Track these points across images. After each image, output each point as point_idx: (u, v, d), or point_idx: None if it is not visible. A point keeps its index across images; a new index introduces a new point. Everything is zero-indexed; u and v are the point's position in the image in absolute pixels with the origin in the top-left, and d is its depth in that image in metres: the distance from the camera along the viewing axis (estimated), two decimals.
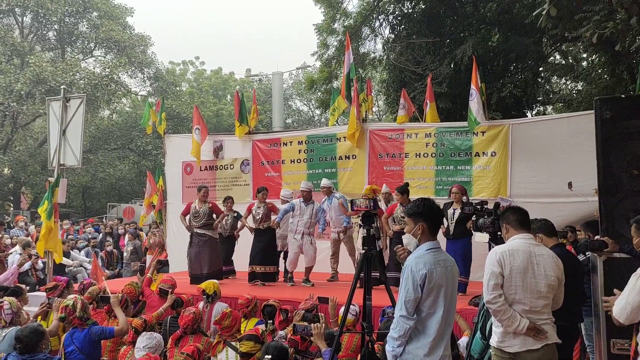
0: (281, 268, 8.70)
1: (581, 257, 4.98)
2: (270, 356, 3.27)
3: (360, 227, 7.27)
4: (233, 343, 4.62)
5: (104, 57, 27.53)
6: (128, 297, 5.80)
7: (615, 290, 3.19)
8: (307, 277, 8.23)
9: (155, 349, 4.08)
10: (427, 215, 3.09)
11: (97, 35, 25.87)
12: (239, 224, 9.14)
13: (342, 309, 3.91)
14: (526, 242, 3.41)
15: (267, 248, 8.40)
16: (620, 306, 2.72)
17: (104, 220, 19.99)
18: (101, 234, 14.45)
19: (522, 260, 3.31)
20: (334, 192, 8.66)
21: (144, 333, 4.32)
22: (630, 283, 2.72)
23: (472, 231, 4.83)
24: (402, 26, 14.83)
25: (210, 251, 8.41)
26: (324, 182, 8.71)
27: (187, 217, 8.56)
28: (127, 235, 13.05)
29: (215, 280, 6.68)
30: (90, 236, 13.97)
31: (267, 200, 8.68)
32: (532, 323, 3.26)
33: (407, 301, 2.94)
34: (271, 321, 5.21)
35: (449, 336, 3.02)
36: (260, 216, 8.42)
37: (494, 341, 3.44)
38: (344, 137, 9.83)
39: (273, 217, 8.53)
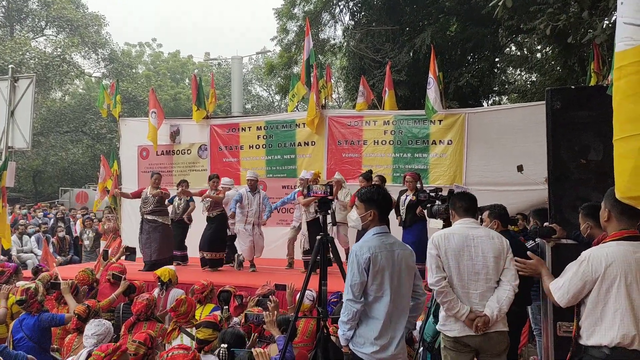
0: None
1: (530, 244, 5.13)
2: (226, 345, 3.25)
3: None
4: (188, 329, 4.57)
5: (56, 37, 26.55)
6: (81, 284, 5.66)
7: (529, 253, 3.31)
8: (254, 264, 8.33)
9: (104, 335, 3.99)
10: (379, 203, 3.15)
11: (49, 13, 24.92)
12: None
13: (298, 296, 3.92)
14: (464, 226, 3.48)
15: (215, 235, 8.36)
16: (562, 291, 2.81)
17: (55, 205, 19.36)
18: (52, 220, 14.01)
19: (456, 243, 3.38)
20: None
21: (92, 320, 4.21)
22: (571, 269, 2.81)
23: (427, 217, 4.89)
24: (362, 13, 14.83)
25: (161, 237, 8.31)
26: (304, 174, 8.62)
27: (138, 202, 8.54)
28: (79, 222, 12.69)
29: (172, 267, 6.60)
30: (40, 221, 13.53)
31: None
32: (473, 313, 3.31)
33: (352, 285, 2.99)
34: (226, 307, 5.18)
35: (401, 319, 3.05)
36: (209, 203, 8.36)
37: (438, 325, 3.53)
38: (303, 124, 9.81)
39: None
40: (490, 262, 3.37)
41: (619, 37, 2.02)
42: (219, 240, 8.41)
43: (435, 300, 4.19)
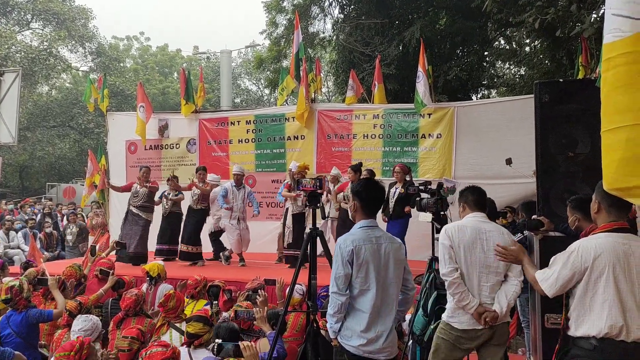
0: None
1: (518, 236, 5.15)
2: (220, 340, 3.23)
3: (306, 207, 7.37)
4: (177, 325, 4.55)
5: (42, 30, 26.19)
6: (68, 279, 5.61)
7: (511, 241, 3.32)
8: (243, 258, 8.31)
9: (91, 331, 3.95)
10: (361, 195, 3.15)
11: (35, 6, 24.57)
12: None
13: (287, 290, 3.90)
14: (476, 220, 3.49)
15: (197, 228, 8.41)
16: (551, 282, 2.82)
17: (42, 200, 19.18)
18: (39, 215, 13.87)
19: (470, 236, 3.38)
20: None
21: (79, 316, 4.18)
22: (560, 259, 2.82)
23: (416, 210, 4.89)
24: (352, 6, 14.77)
25: (142, 232, 8.34)
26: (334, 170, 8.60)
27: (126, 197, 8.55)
28: (65, 217, 12.57)
29: (160, 262, 6.57)
30: (27, 217, 13.39)
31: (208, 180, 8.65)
32: (482, 307, 3.32)
33: (337, 278, 3.00)
34: (216, 302, 5.16)
35: (389, 313, 3.04)
36: (197, 196, 8.32)
37: (445, 315, 3.52)
38: (293, 117, 9.78)
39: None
40: None
41: (608, 29, 2.01)
42: (198, 235, 8.44)
43: (424, 294, 4.21)
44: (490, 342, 3.43)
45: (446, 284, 3.38)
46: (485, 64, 15.72)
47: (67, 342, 3.51)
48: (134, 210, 8.41)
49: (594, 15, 7.35)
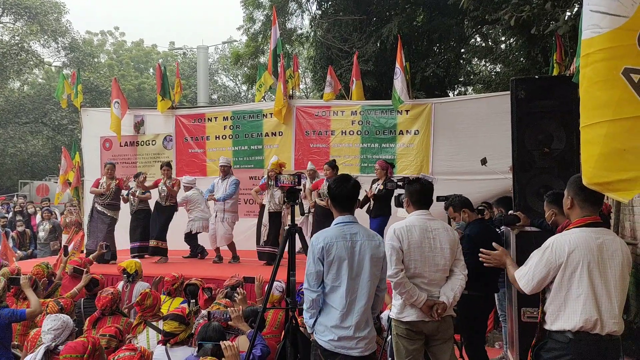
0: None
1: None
2: (211, 345, 3.18)
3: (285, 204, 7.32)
4: (154, 323, 4.49)
5: (13, 24, 25.57)
6: (36, 278, 5.49)
7: (494, 244, 3.36)
8: (220, 255, 8.22)
9: (62, 330, 3.86)
10: (332, 191, 3.19)
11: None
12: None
13: (266, 287, 3.88)
14: (422, 218, 3.51)
15: (166, 225, 8.31)
16: (527, 279, 2.85)
17: (14, 198, 18.77)
18: (11, 213, 13.56)
19: (418, 235, 3.41)
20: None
21: (48, 315, 4.08)
22: (535, 256, 2.85)
23: (395, 207, 4.91)
24: (329, 3, 14.75)
25: (108, 230, 8.21)
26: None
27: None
28: (38, 214, 12.31)
29: (138, 260, 6.48)
30: None
31: (180, 177, 8.63)
32: (430, 300, 3.37)
33: (309, 274, 3.04)
34: (194, 300, 5.11)
35: (362, 309, 3.02)
36: (165, 193, 8.23)
37: (393, 313, 3.55)
38: (271, 114, 9.73)
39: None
40: (447, 253, 3.44)
41: (586, 25, 2.04)
42: (165, 231, 8.34)
43: None
44: (436, 338, 3.48)
45: (392, 284, 3.39)
46: (462, 61, 15.86)
47: (77, 341, 3.45)
48: (99, 208, 8.27)
49: (568, 13, 7.45)
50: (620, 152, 1.93)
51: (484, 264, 3.37)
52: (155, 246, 8.21)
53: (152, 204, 8.61)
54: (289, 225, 3.67)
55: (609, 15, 1.91)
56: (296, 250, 3.78)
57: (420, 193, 3.61)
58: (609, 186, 2.02)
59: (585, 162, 2.08)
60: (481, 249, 3.34)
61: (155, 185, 8.46)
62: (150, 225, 8.34)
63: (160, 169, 8.49)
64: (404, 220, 3.59)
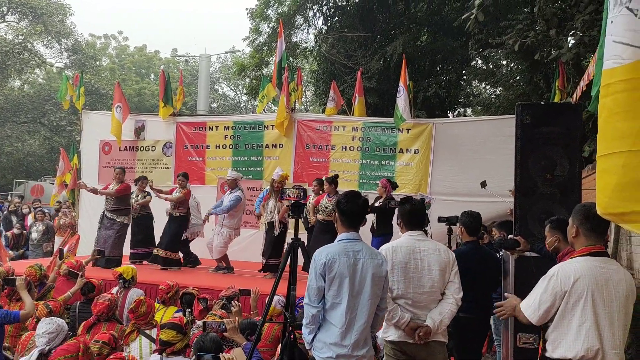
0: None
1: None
2: (210, 357, 3.15)
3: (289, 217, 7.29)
4: (147, 331, 4.45)
5: (18, 23, 25.63)
6: (34, 280, 5.45)
7: (506, 294, 3.33)
8: (218, 266, 8.12)
9: (56, 334, 3.81)
10: (340, 207, 3.14)
11: None
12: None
13: (267, 300, 3.85)
14: (411, 239, 3.51)
15: (176, 235, 8.22)
16: (533, 308, 2.84)
17: (9, 197, 18.66)
18: (4, 212, 13.46)
19: (403, 256, 3.40)
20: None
21: (43, 319, 4.04)
22: (540, 286, 2.84)
23: (397, 225, 4.89)
24: (336, 18, 14.90)
25: (117, 235, 8.11)
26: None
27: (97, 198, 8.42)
28: (30, 215, 12.21)
29: (133, 266, 6.42)
30: None
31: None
32: (413, 322, 3.34)
33: (310, 289, 3.01)
34: (189, 310, 5.06)
35: (362, 328, 2.98)
36: (174, 203, 8.19)
37: (379, 332, 3.55)
38: (272, 126, 9.74)
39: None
40: (435, 274, 3.40)
41: (608, 55, 2.06)
42: (177, 241, 8.27)
43: None
44: None
45: None
46: (462, 82, 15.99)
47: (68, 343, 3.42)
48: (107, 214, 8.18)
49: (572, 41, 7.55)
50: (637, 183, 1.93)
51: (500, 318, 3.32)
52: (164, 256, 8.07)
53: (153, 208, 8.60)
54: (292, 239, 3.66)
55: (632, 47, 1.93)
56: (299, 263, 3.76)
57: (410, 214, 3.60)
58: (624, 217, 2.02)
59: (600, 192, 2.08)
60: (497, 303, 3.30)
61: (170, 192, 8.45)
62: (162, 234, 8.24)
63: (177, 178, 8.43)
64: (394, 241, 3.59)
